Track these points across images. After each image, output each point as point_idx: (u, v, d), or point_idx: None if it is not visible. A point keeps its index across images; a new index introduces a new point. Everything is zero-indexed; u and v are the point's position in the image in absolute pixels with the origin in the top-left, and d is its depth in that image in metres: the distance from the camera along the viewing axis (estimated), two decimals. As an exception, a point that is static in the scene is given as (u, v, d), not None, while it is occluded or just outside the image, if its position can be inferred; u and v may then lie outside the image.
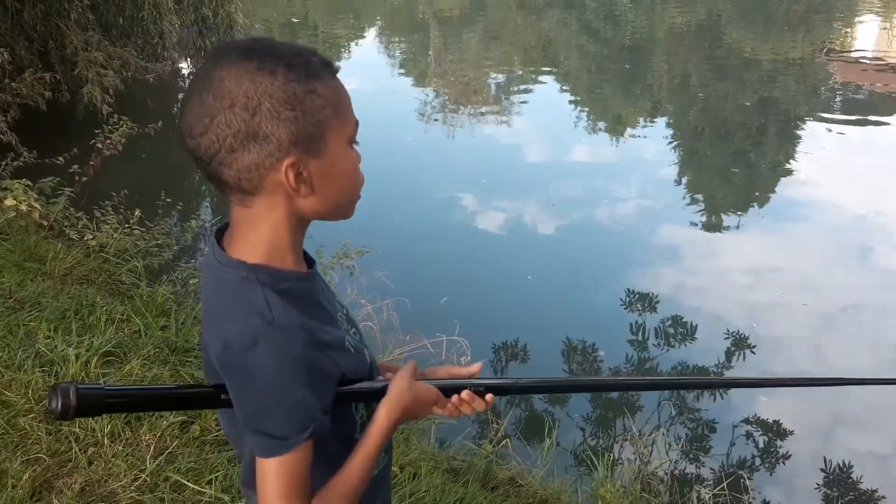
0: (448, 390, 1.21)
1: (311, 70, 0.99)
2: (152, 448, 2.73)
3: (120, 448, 2.73)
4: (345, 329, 1.14)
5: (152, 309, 3.82)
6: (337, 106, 1.02)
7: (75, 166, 5.13)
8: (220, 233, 1.10)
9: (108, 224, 4.74)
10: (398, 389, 1.13)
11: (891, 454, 4.33)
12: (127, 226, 4.73)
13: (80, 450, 2.68)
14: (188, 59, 9.42)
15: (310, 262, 1.13)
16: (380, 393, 1.14)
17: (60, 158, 5.22)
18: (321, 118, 0.99)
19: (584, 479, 3.59)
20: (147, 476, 2.60)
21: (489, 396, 1.23)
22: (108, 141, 5.38)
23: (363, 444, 1.10)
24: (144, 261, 4.47)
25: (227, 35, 8.50)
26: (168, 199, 5.41)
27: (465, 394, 1.21)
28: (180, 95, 11.42)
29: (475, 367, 1.27)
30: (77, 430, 2.76)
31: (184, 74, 10.69)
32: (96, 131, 5.44)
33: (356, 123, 1.06)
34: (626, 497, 3.09)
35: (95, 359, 3.09)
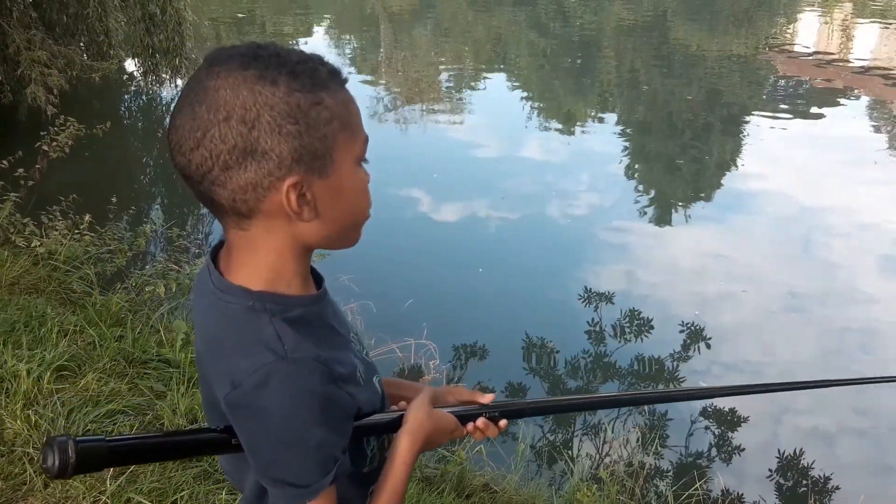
0: (464, 417, 1.15)
1: (318, 79, 0.89)
2: (112, 469, 2.59)
3: (78, 469, 2.60)
4: (357, 350, 1.05)
5: (106, 318, 3.67)
6: (345, 119, 0.91)
7: (20, 170, 4.90)
8: (215, 252, 1.00)
9: (56, 230, 4.54)
10: (418, 419, 1.06)
11: (837, 433, 4.42)
12: (77, 231, 4.54)
13: (34, 472, 2.53)
14: (135, 58, 9.14)
15: (318, 279, 1.03)
16: (395, 424, 1.06)
17: (4, 162, 4.99)
18: (327, 133, 0.89)
19: (559, 479, 3.56)
20: (107, 498, 2.46)
21: (503, 422, 1.17)
22: (55, 143, 5.17)
23: (387, 480, 1.02)
24: (96, 267, 4.29)
25: (174, 32, 8.25)
26: (119, 203, 5.22)
27: (480, 422, 1.15)
28: (130, 92, 11.26)
29: (489, 397, 1.19)
30: (31, 450, 2.61)
31: (132, 73, 10.41)
32: (41, 133, 5.22)
33: (366, 139, 0.96)
34: (602, 501, 3.04)
35: (48, 374, 2.94)
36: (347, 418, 0.96)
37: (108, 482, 2.51)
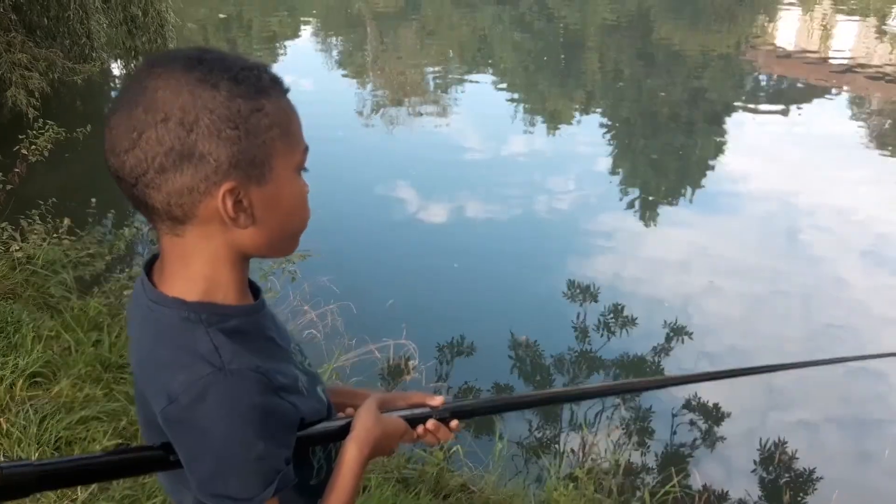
0: (413, 420, 1.13)
1: (260, 86, 0.88)
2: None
3: (50, 475, 2.59)
4: (299, 362, 1.04)
5: (84, 323, 3.66)
6: (286, 128, 0.90)
7: (-1, 174, 4.88)
8: (150, 266, 0.98)
9: (35, 234, 4.51)
10: (365, 426, 1.05)
11: (821, 423, 4.45)
12: (55, 235, 4.51)
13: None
14: (118, 60, 9.10)
15: (255, 291, 1.01)
16: (342, 432, 1.04)
17: (-17, 166, 4.96)
18: (267, 140, 0.88)
19: (537, 478, 3.57)
20: (79, 506, 2.46)
21: (454, 423, 1.16)
22: (34, 147, 5.14)
23: (334, 490, 1.01)
24: (75, 272, 4.27)
25: (157, 34, 8.21)
26: (99, 206, 5.19)
27: (430, 424, 1.14)
28: (113, 94, 11.19)
29: (439, 399, 1.17)
30: (1, 458, 2.60)
31: (114, 75, 10.36)
32: (21, 136, 5.18)
33: (306, 149, 0.94)
34: (579, 499, 3.05)
35: (21, 381, 2.93)
36: (289, 429, 0.95)
37: (79, 490, 2.51)
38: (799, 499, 3.80)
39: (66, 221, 4.51)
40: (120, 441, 2.82)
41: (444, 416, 1.15)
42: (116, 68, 9.92)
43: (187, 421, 0.86)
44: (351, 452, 1.02)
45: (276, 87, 0.90)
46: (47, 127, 5.27)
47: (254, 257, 0.97)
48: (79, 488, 2.51)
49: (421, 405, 1.16)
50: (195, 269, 0.92)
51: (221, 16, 18.18)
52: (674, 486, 3.41)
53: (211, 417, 0.85)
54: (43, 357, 3.18)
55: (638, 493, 3.42)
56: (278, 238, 0.95)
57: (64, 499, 2.50)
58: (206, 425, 0.86)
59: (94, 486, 2.54)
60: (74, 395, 3.00)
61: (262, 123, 0.87)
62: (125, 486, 2.59)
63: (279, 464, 0.91)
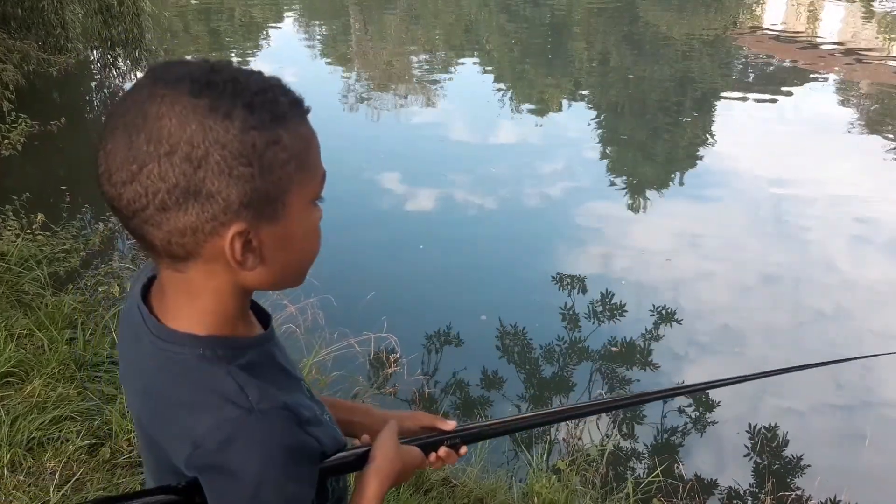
0: (426, 447, 1.11)
1: (278, 113, 0.78)
2: (57, 476, 2.54)
3: (21, 478, 2.55)
4: (306, 389, 0.99)
5: (58, 321, 3.60)
6: (304, 159, 0.81)
7: (-29, 169, 4.81)
8: (145, 290, 0.91)
9: (8, 230, 4.44)
10: (388, 457, 1.01)
11: (808, 411, 4.45)
12: (29, 231, 4.44)
13: (-25, 484, 2.47)
14: (94, 51, 8.97)
15: (263, 317, 0.95)
16: (360, 461, 1.00)
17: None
18: (283, 175, 0.79)
19: (520, 471, 3.54)
20: (52, 508, 2.41)
21: (463, 450, 1.15)
22: (7, 141, 5.06)
23: None
24: (50, 268, 4.19)
25: (133, 24, 8.10)
26: (74, 201, 5.12)
27: (442, 451, 1.12)
28: (91, 85, 11.05)
29: (451, 424, 1.15)
30: (-28, 461, 2.55)
31: (90, 66, 10.20)
32: (-7, 130, 5.11)
33: (324, 176, 0.86)
34: (562, 491, 3.03)
35: (-8, 381, 2.88)
36: (315, 465, 0.91)
37: (51, 492, 2.46)
38: (784, 484, 3.79)
39: (40, 217, 4.43)
40: (94, 440, 2.78)
41: (455, 442, 1.14)
42: (92, 58, 9.77)
43: (217, 466, 0.81)
44: (373, 486, 0.98)
45: (295, 111, 0.81)
46: (20, 120, 5.19)
47: (259, 290, 0.90)
48: (50, 491, 2.47)
49: (432, 428, 1.15)
50: (201, 304, 0.85)
51: (193, 1, 17.98)
52: (657, 475, 3.39)
53: (241, 461, 0.80)
54: (16, 356, 3.13)
55: (622, 484, 3.39)
56: (287, 275, 0.89)
57: (36, 500, 2.46)
58: (236, 469, 0.80)
59: (66, 488, 2.51)
60: (47, 395, 2.96)
61: (278, 158, 0.78)
62: (99, 486, 2.55)
63: (307, 502, 0.88)
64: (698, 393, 4.34)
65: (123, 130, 0.75)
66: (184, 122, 0.74)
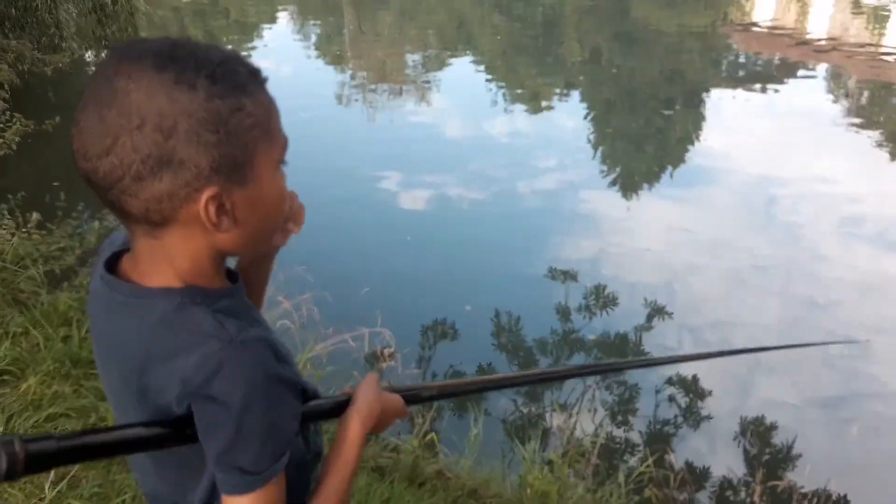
0: (408, 399, 1.15)
1: (238, 82, 0.83)
2: (52, 473, 2.55)
3: (17, 475, 2.55)
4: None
5: (53, 319, 3.60)
6: (267, 125, 0.87)
7: (-34, 169, 4.82)
8: (110, 264, 0.94)
9: (3, 228, 4.46)
10: (368, 399, 1.05)
11: (801, 403, 4.47)
12: (25, 230, 4.46)
13: (-29, 481, 2.48)
14: (88, 50, 8.98)
15: (232, 276, 1.00)
16: (341, 407, 1.05)
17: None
18: (248, 141, 0.84)
19: (514, 463, 3.57)
20: (47, 504, 2.43)
21: None
22: (2, 140, 5.08)
23: (337, 462, 1.00)
24: (45, 266, 4.21)
25: (127, 23, 8.12)
26: (69, 199, 5.12)
27: None
28: (85, 84, 10.91)
29: None
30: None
31: (85, 64, 10.21)
32: (-11, 130, 5.13)
33: (286, 142, 0.91)
34: (554, 483, 3.05)
35: (-12, 379, 2.90)
36: (297, 398, 0.94)
37: (46, 489, 2.48)
38: (774, 474, 3.82)
39: (35, 216, 4.44)
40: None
41: (432, 395, 1.24)
42: (87, 58, 9.77)
43: (204, 396, 0.84)
44: (355, 426, 1.02)
45: (255, 81, 0.86)
46: (15, 120, 5.21)
47: (233, 255, 0.95)
48: (46, 488, 2.49)
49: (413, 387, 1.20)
50: (178, 264, 0.89)
51: (184, 0, 17.97)
52: (649, 465, 3.42)
53: (226, 390, 0.84)
54: (11, 354, 3.14)
55: (614, 475, 3.42)
56: (260, 236, 0.94)
57: (32, 498, 2.47)
58: (222, 397, 0.84)
59: (62, 485, 2.52)
60: (43, 393, 2.97)
61: (243, 124, 0.83)
62: (95, 483, 2.57)
63: (290, 435, 0.91)
64: (652, 367, 4.50)
65: (95, 107, 0.80)
66: (151, 95, 0.78)
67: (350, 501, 1.03)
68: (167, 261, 0.89)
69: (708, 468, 3.86)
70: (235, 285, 0.97)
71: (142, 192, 0.81)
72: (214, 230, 0.86)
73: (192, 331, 0.86)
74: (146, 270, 0.90)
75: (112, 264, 0.95)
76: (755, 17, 16.99)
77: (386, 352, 3.99)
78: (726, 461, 3.95)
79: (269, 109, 0.88)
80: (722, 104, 10.65)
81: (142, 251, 0.90)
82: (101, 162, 0.80)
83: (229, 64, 0.83)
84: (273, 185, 0.90)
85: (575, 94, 11.54)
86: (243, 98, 0.83)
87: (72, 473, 2.56)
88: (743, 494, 3.74)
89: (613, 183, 7.78)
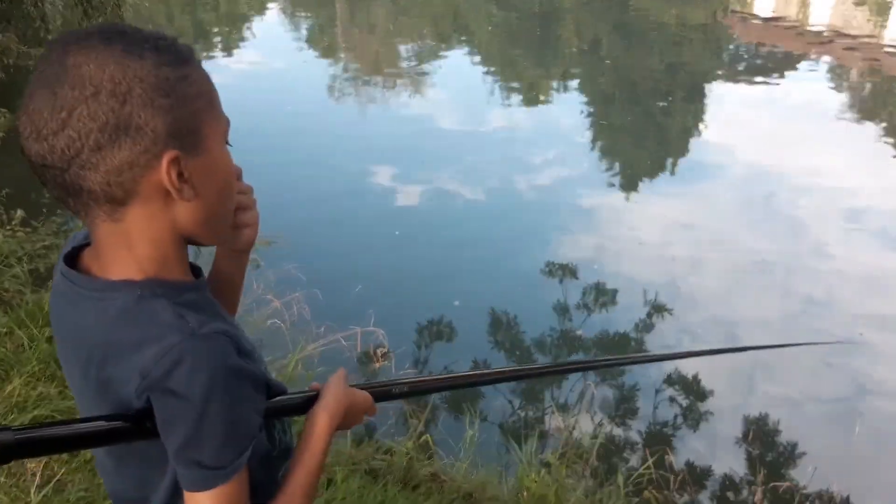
0: (378, 395, 1.14)
1: (180, 54, 0.86)
2: (38, 477, 2.49)
3: (2, 480, 2.49)
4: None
5: (38, 319, 3.52)
6: (210, 97, 0.89)
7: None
8: (72, 259, 0.93)
9: (-13, 226, 4.38)
10: (336, 395, 1.04)
11: (802, 400, 4.45)
12: (9, 228, 4.37)
13: (-47, 488, 2.42)
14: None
15: (195, 271, 0.99)
16: (308, 403, 1.03)
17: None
18: (196, 109, 0.86)
19: (511, 465, 3.51)
20: (31, 510, 2.36)
21: None
22: (-15, 135, 4.99)
23: (304, 459, 0.99)
24: (30, 264, 4.13)
25: (114, 15, 7.99)
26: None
27: None
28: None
29: None
30: (-51, 464, 2.49)
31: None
32: (-29, 125, 5.03)
33: (228, 122, 0.93)
34: (552, 485, 3.00)
35: (-30, 382, 2.82)
36: (260, 392, 0.93)
37: (32, 493, 2.41)
38: (777, 474, 3.78)
39: (19, 213, 4.36)
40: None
41: (403, 391, 1.22)
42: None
43: (163, 389, 0.83)
44: (321, 422, 1.01)
45: (193, 57, 0.88)
46: (-1, 114, 5.11)
47: (193, 239, 0.93)
48: (31, 492, 2.42)
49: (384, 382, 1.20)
50: (140, 251, 0.87)
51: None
52: (648, 467, 3.37)
53: (186, 384, 0.82)
54: (-6, 356, 3.07)
55: (612, 477, 3.37)
56: (217, 212, 0.93)
57: (17, 502, 2.41)
58: (183, 391, 0.82)
59: (47, 489, 2.46)
60: (28, 394, 2.90)
61: (190, 91, 0.85)
62: (81, 487, 2.51)
63: (252, 429, 0.90)
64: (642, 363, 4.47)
65: (45, 87, 0.80)
66: (102, 65, 0.79)
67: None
68: (128, 247, 0.87)
69: (709, 469, 3.82)
70: (199, 280, 0.97)
71: (102, 163, 0.80)
72: (178, 197, 0.85)
73: (151, 323, 0.85)
74: (106, 262, 0.89)
75: (73, 259, 0.94)
76: (756, 9, 16.93)
77: (379, 351, 3.92)
78: (727, 462, 3.90)
79: (210, 84, 0.90)
80: (723, 96, 10.61)
81: (102, 240, 0.88)
82: (57, 138, 0.79)
83: (169, 40, 0.86)
84: (223, 159, 0.91)
85: (573, 87, 11.46)
86: (187, 68, 0.85)
87: (57, 478, 2.50)
88: (745, 494, 3.70)
89: (612, 177, 7.71)
